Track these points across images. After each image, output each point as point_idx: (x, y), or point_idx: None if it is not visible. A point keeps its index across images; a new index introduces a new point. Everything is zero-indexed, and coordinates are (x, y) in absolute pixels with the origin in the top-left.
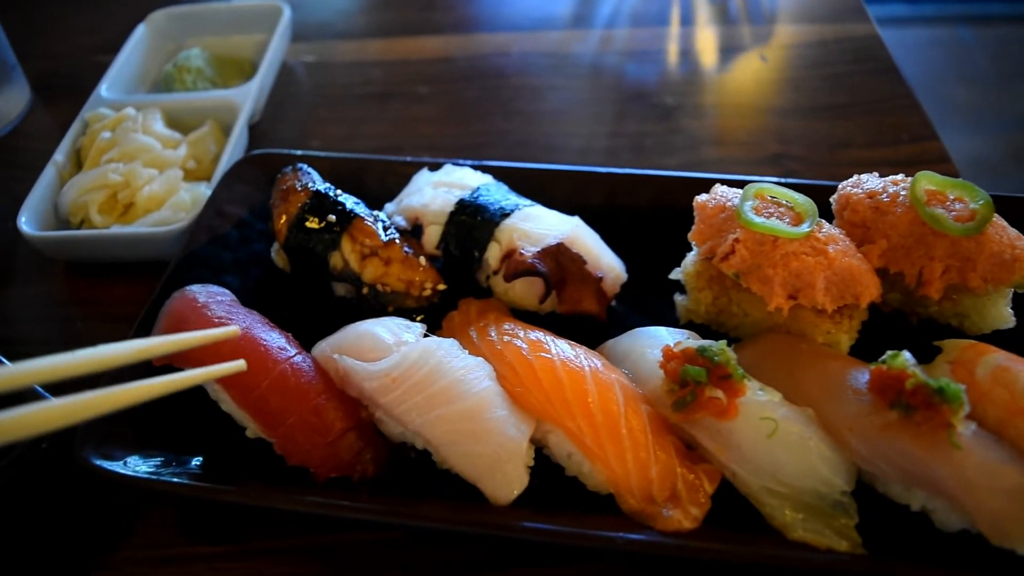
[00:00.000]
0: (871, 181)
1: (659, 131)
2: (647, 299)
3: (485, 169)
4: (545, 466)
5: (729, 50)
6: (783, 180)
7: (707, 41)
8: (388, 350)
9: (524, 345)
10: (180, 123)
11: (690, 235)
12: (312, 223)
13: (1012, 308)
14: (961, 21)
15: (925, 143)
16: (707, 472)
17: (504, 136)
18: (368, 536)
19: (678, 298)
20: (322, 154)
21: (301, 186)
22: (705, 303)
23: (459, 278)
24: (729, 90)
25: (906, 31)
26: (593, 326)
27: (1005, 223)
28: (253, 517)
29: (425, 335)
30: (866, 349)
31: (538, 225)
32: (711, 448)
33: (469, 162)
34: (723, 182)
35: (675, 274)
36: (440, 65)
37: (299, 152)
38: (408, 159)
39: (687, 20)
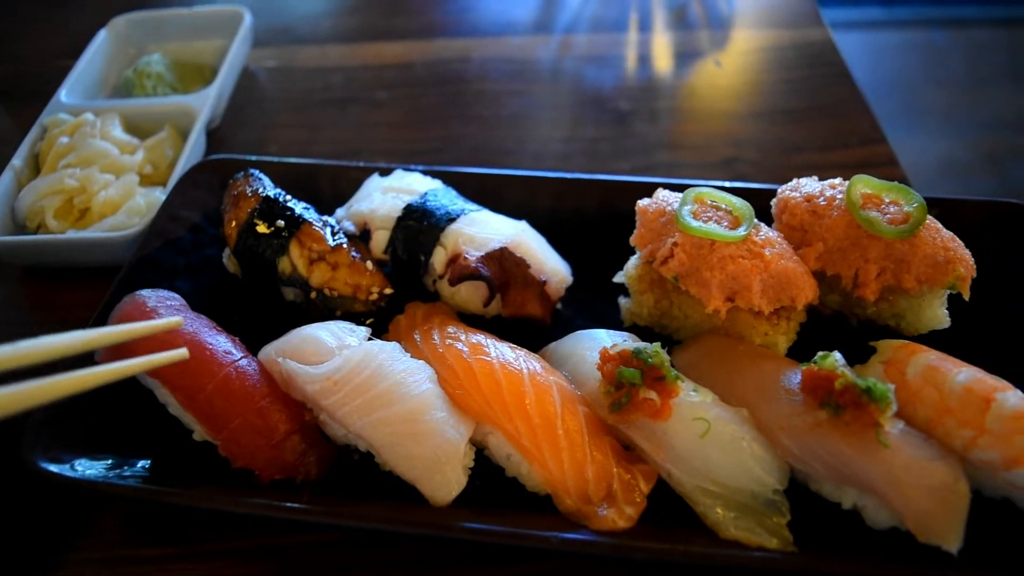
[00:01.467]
0: (809, 185)
1: (613, 136)
2: (593, 301)
3: (435, 174)
4: (486, 467)
5: (686, 55)
6: (726, 184)
7: (664, 46)
8: (331, 354)
9: (465, 348)
10: (139, 128)
11: (632, 239)
12: (261, 228)
13: (948, 308)
14: (935, 24)
15: (874, 146)
16: (643, 472)
17: (461, 141)
18: (314, 537)
19: (622, 301)
20: (276, 159)
21: (251, 192)
22: (647, 306)
23: (407, 282)
24: (684, 95)
25: (880, 34)
26: (539, 328)
27: (939, 225)
28: (202, 519)
29: (370, 339)
30: (806, 350)
31: (483, 230)
32: (646, 448)
33: (420, 167)
34: (668, 186)
35: (619, 277)
36: (400, 70)
37: (253, 158)
38: (360, 164)
39: (646, 26)
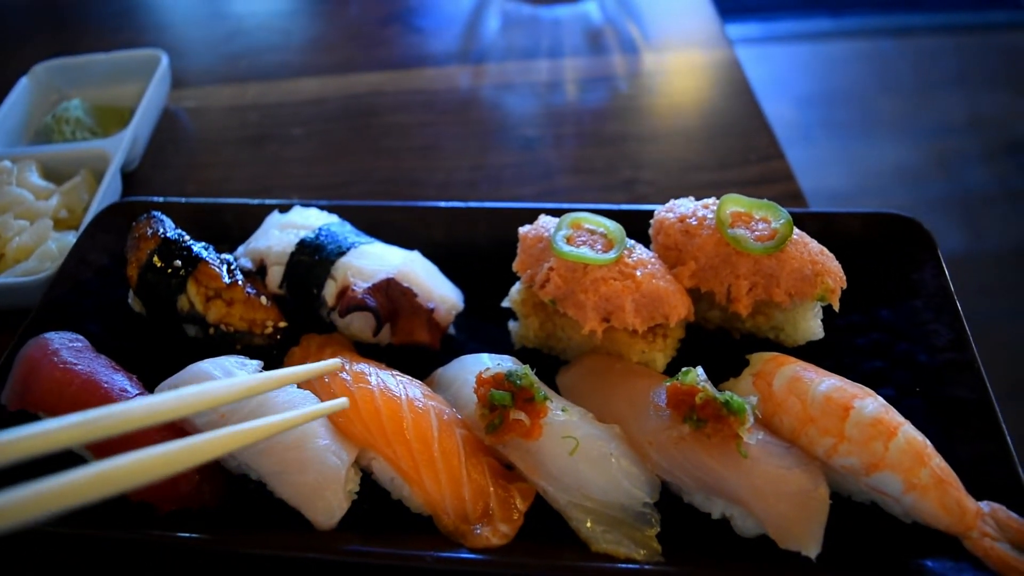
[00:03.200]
0: (684, 205)
1: (519, 162)
2: (487, 326)
3: (335, 209)
4: (375, 491)
5: (593, 80)
6: (612, 207)
7: (573, 72)
8: None
9: (348, 377)
10: (57, 174)
11: (514, 265)
12: (160, 268)
13: (836, 319)
14: (883, 34)
15: (771, 162)
16: (521, 490)
17: (371, 173)
18: (211, 565)
19: (512, 324)
20: (183, 200)
21: (152, 233)
22: (533, 328)
23: (306, 315)
24: (590, 119)
25: (831, 45)
26: (432, 354)
27: (808, 239)
28: (108, 554)
29: (260, 371)
30: (692, 365)
31: (371, 262)
32: (522, 467)
33: (322, 202)
34: (557, 211)
35: (506, 302)
36: (315, 106)
37: (160, 199)
38: (266, 201)
39: (558, 52)
